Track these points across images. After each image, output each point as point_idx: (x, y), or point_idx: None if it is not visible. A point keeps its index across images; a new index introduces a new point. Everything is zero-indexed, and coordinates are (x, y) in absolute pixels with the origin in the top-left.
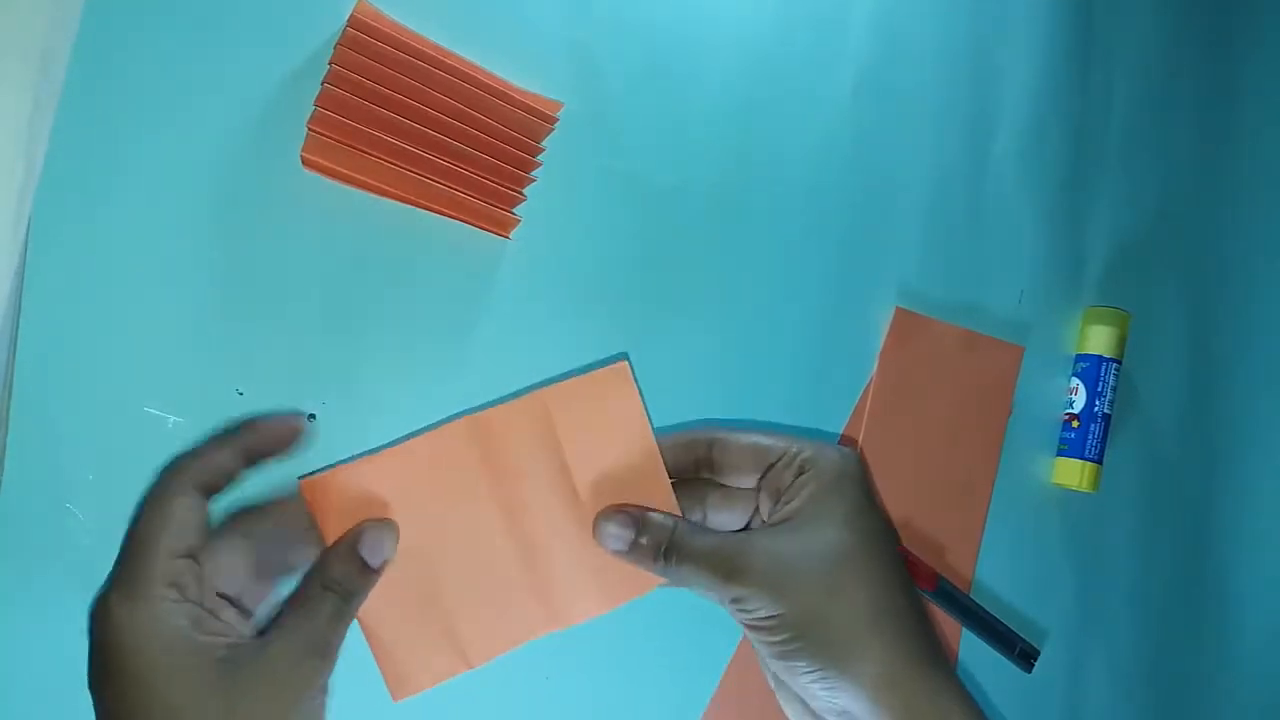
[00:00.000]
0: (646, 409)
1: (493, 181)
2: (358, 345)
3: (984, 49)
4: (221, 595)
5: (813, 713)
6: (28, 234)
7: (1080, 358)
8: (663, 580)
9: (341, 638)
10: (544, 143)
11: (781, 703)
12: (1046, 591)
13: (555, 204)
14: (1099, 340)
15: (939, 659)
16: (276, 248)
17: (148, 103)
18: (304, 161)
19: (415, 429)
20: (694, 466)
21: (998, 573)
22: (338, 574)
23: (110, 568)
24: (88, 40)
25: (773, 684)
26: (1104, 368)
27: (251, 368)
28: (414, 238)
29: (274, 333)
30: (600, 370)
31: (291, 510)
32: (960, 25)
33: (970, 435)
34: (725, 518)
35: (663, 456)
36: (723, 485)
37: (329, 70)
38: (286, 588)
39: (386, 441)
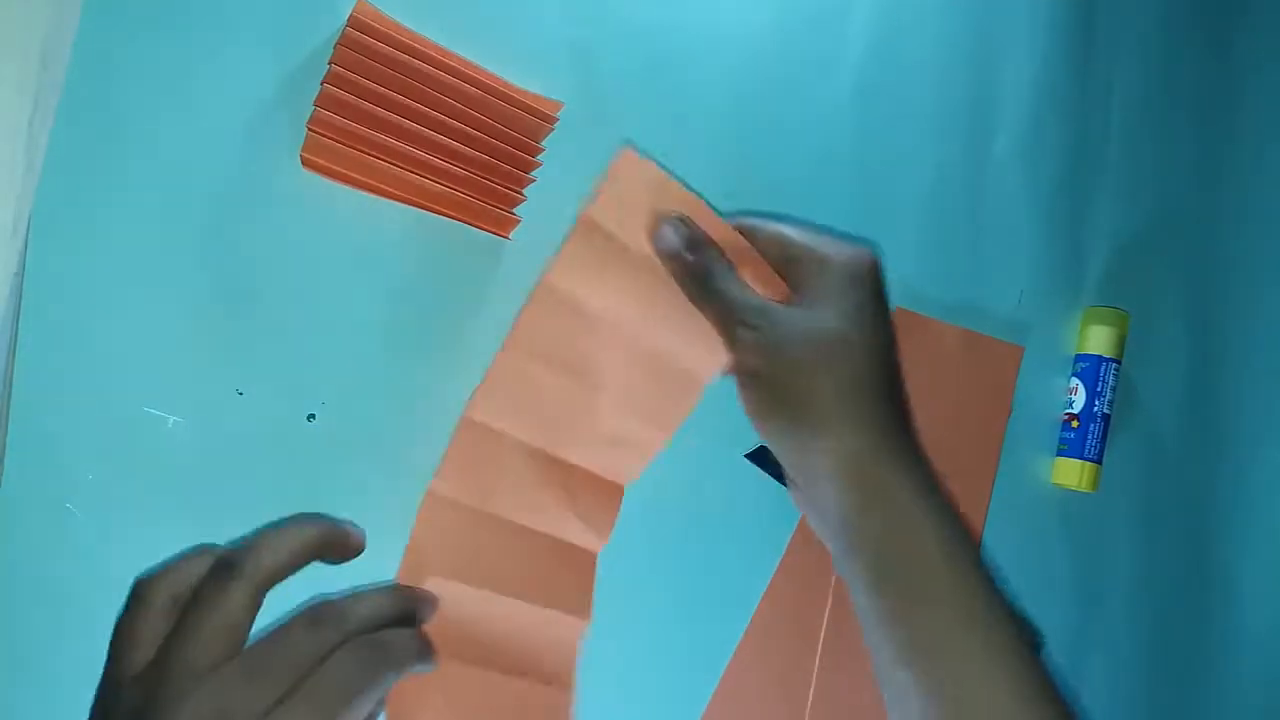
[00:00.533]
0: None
1: (493, 182)
2: (358, 345)
3: (984, 49)
4: None
5: (815, 507)
6: (28, 234)
7: (1080, 358)
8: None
9: None
10: (544, 143)
11: (798, 504)
12: (1046, 591)
13: (555, 204)
14: (1099, 340)
15: (905, 439)
16: (276, 248)
17: (148, 103)
18: (304, 161)
19: (415, 429)
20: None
21: (998, 572)
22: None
23: (110, 568)
24: (88, 40)
25: (789, 487)
26: (1104, 368)
27: (251, 368)
28: (414, 238)
29: (274, 333)
30: (610, 167)
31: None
32: (960, 26)
33: (970, 435)
34: None
35: None
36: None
37: (329, 70)
38: None
39: (386, 441)
